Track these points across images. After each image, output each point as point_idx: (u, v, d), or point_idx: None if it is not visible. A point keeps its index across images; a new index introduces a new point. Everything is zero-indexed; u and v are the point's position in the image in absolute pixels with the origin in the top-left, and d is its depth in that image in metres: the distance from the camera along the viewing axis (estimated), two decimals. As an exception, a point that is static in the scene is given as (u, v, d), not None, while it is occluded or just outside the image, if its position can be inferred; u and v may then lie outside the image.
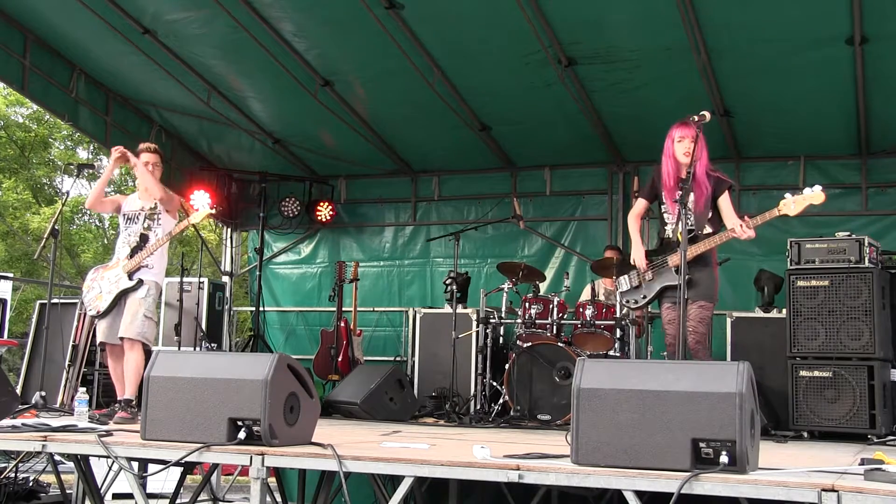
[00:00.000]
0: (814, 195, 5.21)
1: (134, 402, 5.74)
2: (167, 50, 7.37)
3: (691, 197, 5.35)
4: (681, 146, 5.36)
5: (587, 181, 8.89)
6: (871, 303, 6.13)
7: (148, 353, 6.05)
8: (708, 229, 5.44)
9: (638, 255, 5.65)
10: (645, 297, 5.65)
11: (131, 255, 5.96)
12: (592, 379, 3.58)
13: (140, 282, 5.89)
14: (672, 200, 5.35)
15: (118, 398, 5.90)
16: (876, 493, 3.04)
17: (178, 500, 6.17)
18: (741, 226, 5.23)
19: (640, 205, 5.79)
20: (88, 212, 20.00)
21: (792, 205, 5.23)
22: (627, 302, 5.84)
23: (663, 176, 5.45)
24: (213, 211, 6.11)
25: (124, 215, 6.16)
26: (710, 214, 5.45)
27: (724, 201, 5.47)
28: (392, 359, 8.80)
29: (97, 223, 20.48)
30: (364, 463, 3.85)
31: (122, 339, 5.85)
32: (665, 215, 5.56)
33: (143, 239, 5.98)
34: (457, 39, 6.90)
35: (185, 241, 17.60)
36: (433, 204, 9.45)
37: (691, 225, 5.40)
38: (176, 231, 6.08)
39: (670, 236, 5.50)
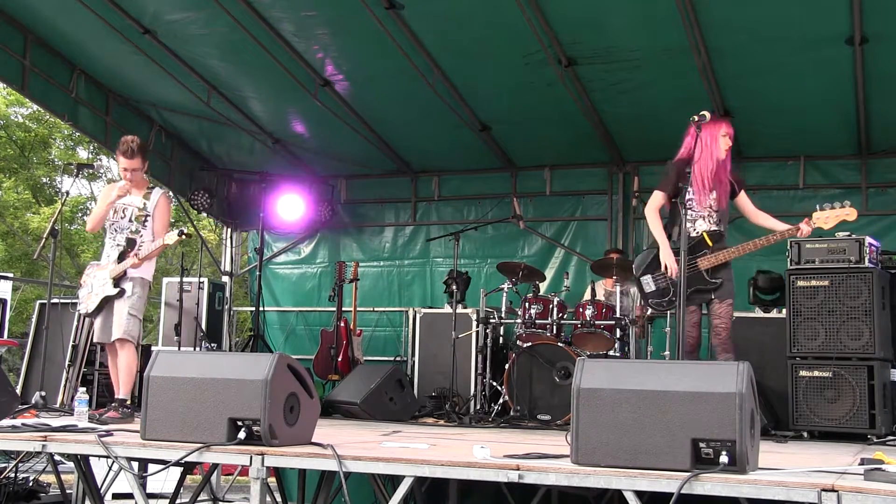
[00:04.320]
0: (848, 213, 5.21)
1: (127, 402, 5.73)
2: (167, 50, 7.37)
3: (713, 195, 5.36)
4: (724, 141, 5.38)
5: (587, 181, 8.89)
6: (871, 303, 6.13)
7: (138, 349, 6.05)
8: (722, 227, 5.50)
9: (669, 257, 5.43)
10: (673, 300, 5.44)
11: (119, 260, 5.89)
12: (592, 379, 3.58)
13: (122, 291, 5.85)
14: (703, 202, 5.33)
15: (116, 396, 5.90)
16: (876, 493, 3.04)
17: (178, 500, 6.17)
18: (805, 224, 5.33)
19: (659, 198, 5.58)
20: (88, 212, 20.00)
21: (826, 219, 5.21)
22: (657, 304, 5.61)
23: (698, 172, 5.33)
24: (187, 231, 5.97)
25: (113, 208, 6.03)
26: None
27: (746, 198, 5.58)
28: (392, 359, 8.79)
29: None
30: (364, 463, 3.85)
31: (113, 340, 5.86)
32: (688, 212, 5.39)
33: (130, 244, 5.90)
34: (457, 39, 6.90)
35: (185, 242, 17.57)
36: (433, 204, 9.45)
37: (716, 223, 5.39)
38: (153, 254, 5.91)
39: (695, 235, 5.41)
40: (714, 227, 5.43)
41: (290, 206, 9.34)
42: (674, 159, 5.52)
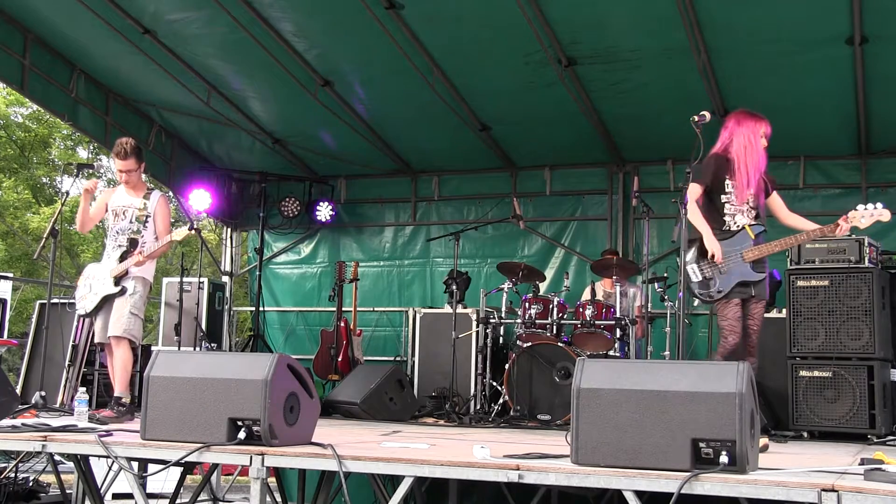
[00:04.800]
0: (882, 214, 5.11)
1: (123, 400, 5.73)
2: (167, 50, 7.37)
3: (750, 191, 5.22)
4: (762, 142, 5.23)
5: (587, 181, 8.89)
6: (871, 303, 6.14)
7: (135, 349, 6.04)
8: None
9: (716, 246, 5.15)
10: (720, 291, 5.18)
11: (121, 260, 5.89)
12: (592, 379, 3.58)
13: (124, 289, 5.85)
14: (742, 197, 5.18)
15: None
16: (876, 493, 3.04)
17: (178, 500, 6.17)
18: (843, 222, 5.11)
19: (699, 191, 5.26)
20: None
21: (862, 219, 5.10)
22: (705, 294, 5.28)
23: (746, 169, 5.18)
24: (197, 226, 5.98)
25: (112, 211, 6.07)
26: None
27: (778, 199, 5.44)
28: (392, 359, 8.80)
29: (98, 223, 20.47)
30: (364, 463, 3.85)
31: (109, 337, 5.86)
32: (727, 206, 5.25)
33: (133, 244, 5.89)
34: (457, 39, 6.90)
35: (186, 240, 17.57)
36: (433, 204, 9.45)
37: (754, 219, 5.24)
38: (158, 252, 5.94)
39: (734, 229, 5.21)
40: (753, 223, 5.26)
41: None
42: (711, 153, 5.30)
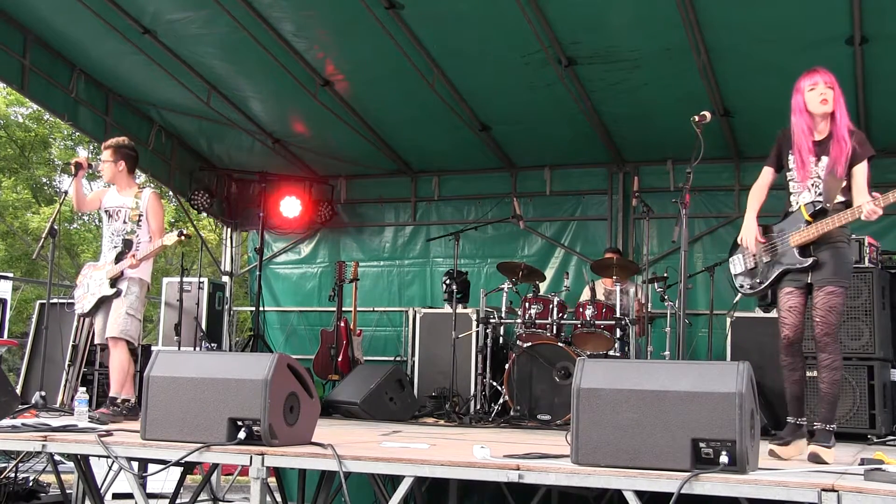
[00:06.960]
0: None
1: (119, 401, 5.73)
2: (167, 50, 7.37)
3: (823, 160, 4.59)
4: (814, 94, 4.69)
5: (587, 181, 8.89)
6: (871, 303, 6.13)
7: (134, 350, 6.05)
8: (840, 199, 4.61)
9: (749, 234, 4.69)
10: (761, 282, 4.70)
11: (116, 261, 5.88)
12: (592, 379, 3.58)
13: (119, 291, 5.85)
14: (803, 169, 4.62)
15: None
16: (876, 493, 3.04)
17: (178, 500, 6.17)
18: (869, 203, 4.41)
19: (767, 175, 4.81)
20: (88, 212, 19.96)
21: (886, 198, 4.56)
22: (742, 287, 4.82)
23: (795, 135, 4.66)
24: (186, 232, 5.97)
25: (106, 211, 6.09)
26: (844, 182, 4.59)
27: (861, 171, 4.65)
28: (392, 359, 8.80)
29: (97, 223, 20.50)
30: (364, 463, 3.85)
31: (107, 338, 5.87)
32: (791, 184, 4.68)
33: (128, 245, 5.89)
34: (457, 39, 6.90)
35: (185, 241, 17.58)
36: (433, 204, 9.45)
37: (819, 195, 4.59)
38: (151, 255, 5.91)
39: (795, 209, 4.63)
40: (816, 199, 4.59)
41: (290, 206, 9.35)
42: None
